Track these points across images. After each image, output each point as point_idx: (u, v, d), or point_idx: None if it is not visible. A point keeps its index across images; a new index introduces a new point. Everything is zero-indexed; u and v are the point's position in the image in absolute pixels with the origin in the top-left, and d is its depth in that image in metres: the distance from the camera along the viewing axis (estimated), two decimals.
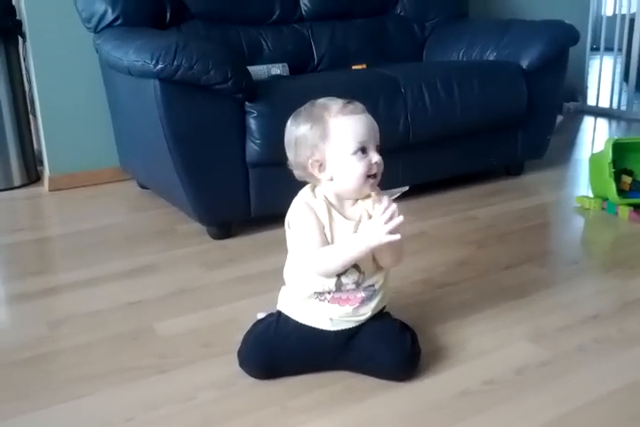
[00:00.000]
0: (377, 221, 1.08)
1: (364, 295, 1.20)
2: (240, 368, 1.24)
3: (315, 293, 1.19)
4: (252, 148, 1.89)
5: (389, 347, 1.20)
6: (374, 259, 1.19)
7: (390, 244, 1.10)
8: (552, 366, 1.25)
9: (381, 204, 1.10)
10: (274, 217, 2.01)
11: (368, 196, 1.17)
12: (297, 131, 1.16)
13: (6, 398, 1.21)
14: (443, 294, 1.56)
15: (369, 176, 1.14)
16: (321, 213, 1.15)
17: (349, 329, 1.21)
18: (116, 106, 2.37)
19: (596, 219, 2.11)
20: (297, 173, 1.20)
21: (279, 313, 1.26)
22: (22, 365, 1.32)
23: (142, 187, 2.52)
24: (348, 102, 1.14)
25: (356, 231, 1.15)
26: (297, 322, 1.23)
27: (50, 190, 2.59)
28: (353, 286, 1.19)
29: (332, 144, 1.13)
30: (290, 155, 1.19)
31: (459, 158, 2.36)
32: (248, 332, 1.27)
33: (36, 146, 2.78)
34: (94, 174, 2.63)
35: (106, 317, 1.52)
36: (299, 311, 1.23)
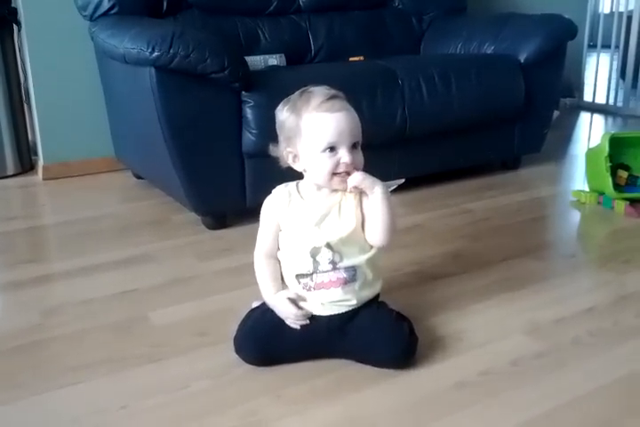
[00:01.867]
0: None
1: (345, 276, 1.20)
2: (236, 356, 1.24)
3: (298, 278, 1.21)
4: (249, 138, 1.88)
5: (387, 335, 1.20)
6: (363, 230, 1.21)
7: (378, 219, 1.18)
8: (547, 358, 1.25)
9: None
10: None
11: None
12: (280, 116, 1.20)
13: None
14: (437, 285, 1.56)
15: (336, 174, 1.16)
16: (280, 202, 1.23)
17: (342, 314, 1.21)
18: (111, 95, 2.35)
19: (592, 213, 2.11)
20: (281, 159, 1.24)
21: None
22: (15, 353, 1.31)
23: (137, 177, 2.50)
24: (329, 98, 1.15)
25: (319, 222, 1.18)
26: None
27: (44, 179, 2.58)
28: (329, 267, 1.19)
29: (303, 139, 1.16)
30: (279, 137, 1.22)
31: (455, 152, 2.36)
32: (244, 319, 1.27)
33: (30, 135, 2.76)
34: (89, 164, 2.62)
35: (99, 305, 1.51)
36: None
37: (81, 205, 2.26)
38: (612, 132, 2.18)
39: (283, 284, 1.25)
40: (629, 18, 3.68)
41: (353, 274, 1.21)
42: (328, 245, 1.18)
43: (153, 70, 1.74)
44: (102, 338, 1.36)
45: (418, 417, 1.09)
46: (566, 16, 2.45)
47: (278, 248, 1.25)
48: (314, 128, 1.14)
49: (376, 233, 1.21)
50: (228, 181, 1.93)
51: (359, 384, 1.17)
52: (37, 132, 2.59)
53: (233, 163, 1.92)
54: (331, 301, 1.21)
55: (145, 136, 2.02)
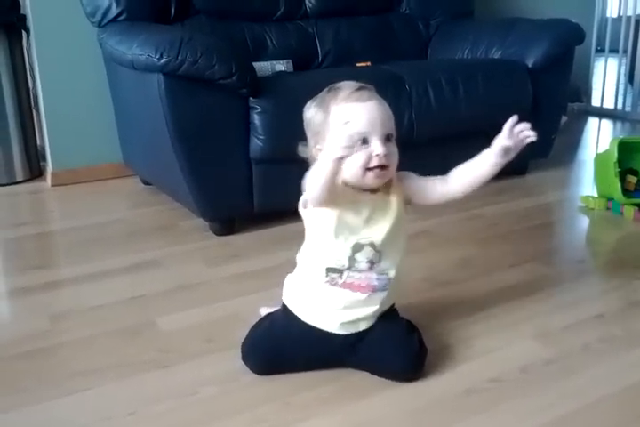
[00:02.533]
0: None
1: (376, 283, 1.16)
2: (242, 363, 1.24)
3: (327, 272, 1.15)
4: (256, 143, 1.88)
5: (398, 350, 1.18)
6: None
7: (479, 173, 1.18)
8: (557, 364, 1.24)
9: None
10: (277, 213, 2.01)
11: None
12: (307, 113, 1.15)
13: (7, 391, 1.20)
14: (446, 292, 1.55)
15: (369, 169, 1.09)
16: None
17: (358, 333, 1.19)
18: (119, 101, 2.36)
19: (600, 218, 2.10)
20: (308, 158, 1.18)
21: (285, 308, 1.24)
22: (23, 358, 1.32)
23: (145, 183, 2.51)
24: (358, 89, 1.10)
25: (368, 218, 1.13)
26: (304, 322, 1.20)
27: (52, 185, 2.59)
28: (366, 266, 1.14)
29: (332, 132, 1.09)
30: (307, 137, 1.18)
31: (463, 157, 2.34)
32: (253, 327, 1.26)
33: (38, 141, 2.77)
34: (97, 170, 2.63)
35: (108, 311, 1.51)
36: (306, 310, 1.20)
37: (89, 211, 2.27)
38: (621, 137, 2.17)
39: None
40: (637, 22, 3.67)
41: (385, 284, 1.17)
42: (372, 244, 1.13)
43: (161, 76, 1.75)
44: (110, 344, 1.36)
45: (426, 424, 1.08)
46: (573, 20, 2.45)
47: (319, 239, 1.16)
48: (342, 119, 1.08)
49: (462, 187, 1.21)
50: (235, 186, 1.93)
51: (366, 392, 1.16)
52: (46, 138, 2.60)
53: (240, 168, 1.92)
54: (351, 303, 1.16)
55: (153, 142, 2.03)
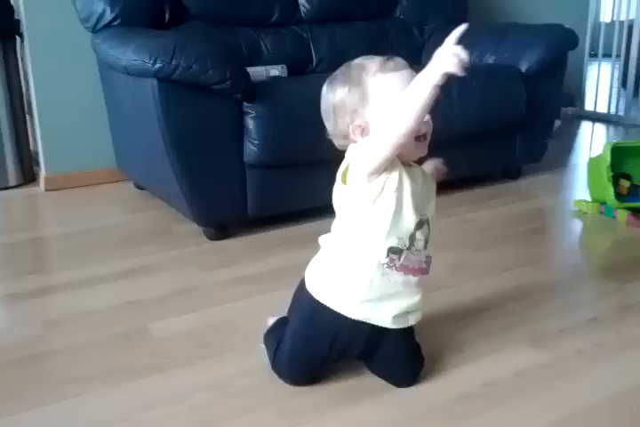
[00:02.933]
0: (445, 43, 0.97)
1: (425, 266, 1.14)
2: (238, 367, 1.24)
3: (388, 253, 1.09)
4: (250, 148, 1.88)
5: (408, 361, 1.20)
6: None
7: None
8: (551, 369, 1.24)
9: None
10: (271, 218, 2.01)
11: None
12: (334, 97, 1.09)
13: (0, 397, 1.20)
14: (440, 296, 1.55)
15: (417, 138, 1.06)
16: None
17: (381, 328, 1.15)
18: (113, 106, 2.36)
19: (594, 223, 2.10)
20: (337, 143, 1.13)
21: (301, 317, 1.19)
22: (17, 364, 1.31)
23: (139, 188, 2.50)
24: (387, 59, 1.07)
25: (427, 194, 1.12)
26: (329, 326, 1.14)
27: (46, 190, 2.58)
28: (422, 246, 1.12)
29: (374, 106, 1.05)
30: (328, 125, 1.12)
31: (457, 161, 2.34)
32: (276, 349, 1.21)
33: (32, 146, 2.77)
34: (91, 175, 2.62)
35: (101, 317, 1.51)
36: (352, 303, 1.13)
37: (83, 216, 2.26)
38: (614, 141, 2.18)
39: None
40: (630, 27, 3.69)
41: (429, 266, 1.15)
42: (428, 221, 1.12)
43: (155, 82, 1.75)
44: (103, 350, 1.36)
45: None
46: (567, 26, 2.46)
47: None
48: (385, 90, 1.05)
49: None
50: (229, 191, 1.93)
51: (361, 397, 1.16)
52: (39, 143, 2.59)
53: (234, 173, 1.92)
54: (404, 285, 1.12)
55: (147, 147, 2.03)
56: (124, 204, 2.43)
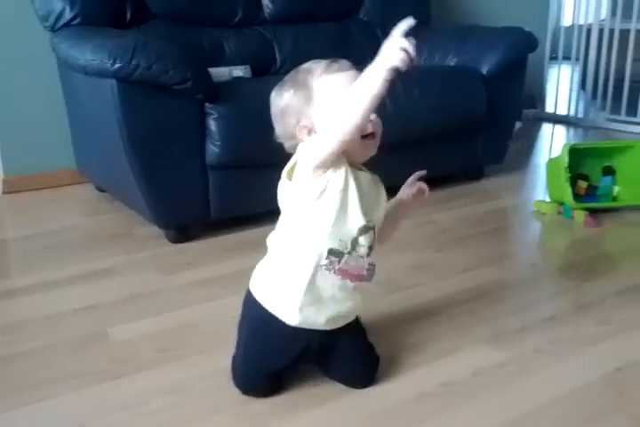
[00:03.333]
0: (392, 36, 0.96)
1: (365, 273, 1.13)
2: (197, 372, 1.23)
3: (328, 254, 1.08)
4: (212, 150, 1.87)
5: (362, 358, 1.21)
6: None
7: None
8: (509, 367, 1.26)
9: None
10: (234, 220, 2.00)
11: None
12: (281, 101, 1.10)
13: None
14: (400, 297, 1.56)
15: (364, 137, 1.06)
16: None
17: (333, 334, 1.16)
18: (73, 106, 2.32)
19: (552, 223, 2.14)
20: (287, 145, 1.13)
21: (249, 324, 1.18)
22: None
23: (100, 190, 2.47)
24: (332, 61, 1.08)
25: (375, 198, 1.12)
26: (277, 330, 1.14)
27: (4, 193, 2.52)
28: (365, 252, 1.11)
29: (319, 105, 1.06)
30: (278, 127, 1.13)
31: (418, 162, 2.35)
32: (232, 360, 1.22)
33: None
34: (50, 177, 2.57)
35: (60, 321, 1.48)
36: (288, 307, 1.12)
37: (42, 219, 2.22)
38: (572, 142, 2.22)
39: None
40: (589, 31, 3.76)
41: (371, 274, 1.14)
42: (374, 228, 1.11)
43: (114, 82, 1.72)
44: (62, 355, 1.34)
45: None
46: (528, 29, 2.50)
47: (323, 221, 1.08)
48: (329, 89, 1.06)
49: (387, 235, 1.22)
50: (191, 193, 1.92)
51: (319, 400, 1.17)
52: None
53: (196, 175, 1.90)
54: (339, 288, 1.11)
55: (107, 148, 2.00)
56: (84, 206, 2.39)
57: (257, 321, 1.16)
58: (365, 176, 1.11)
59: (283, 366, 1.17)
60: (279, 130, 1.13)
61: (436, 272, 1.71)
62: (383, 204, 1.16)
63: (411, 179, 1.30)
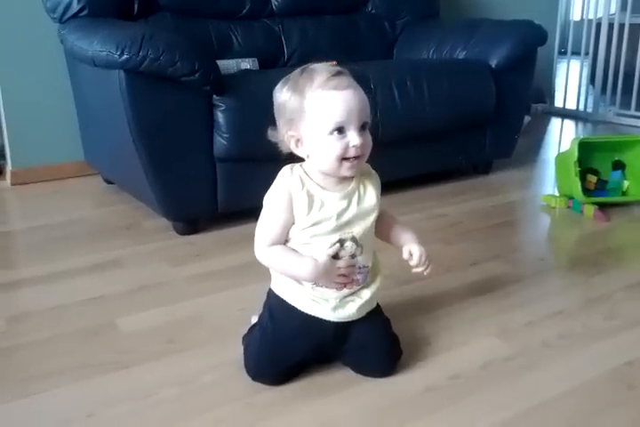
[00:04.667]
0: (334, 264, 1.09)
1: (359, 278, 1.15)
2: (204, 362, 1.23)
3: None
4: (220, 142, 1.87)
5: (381, 351, 1.20)
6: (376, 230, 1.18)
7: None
8: (517, 361, 1.26)
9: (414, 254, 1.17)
10: (242, 212, 2.00)
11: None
12: (279, 97, 1.09)
13: None
14: (409, 290, 1.56)
15: (345, 159, 1.06)
16: (295, 190, 1.09)
17: (348, 323, 1.17)
18: (81, 98, 2.32)
19: (561, 217, 2.13)
20: (280, 146, 1.14)
21: (270, 311, 1.19)
22: None
23: (108, 182, 2.47)
24: (334, 75, 1.05)
25: (342, 212, 1.10)
26: (293, 318, 1.16)
27: (12, 184, 2.53)
28: (349, 260, 1.13)
29: (308, 121, 1.05)
30: (277, 122, 1.12)
31: (427, 156, 2.37)
32: (246, 345, 1.23)
33: None
34: (58, 168, 2.58)
35: (67, 312, 1.48)
36: (300, 300, 1.15)
37: (50, 211, 2.22)
38: (582, 136, 2.21)
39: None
40: (598, 25, 3.74)
41: (365, 277, 1.16)
42: (353, 239, 1.12)
43: (122, 73, 1.72)
44: (69, 345, 1.34)
45: (388, 422, 1.08)
46: (537, 22, 2.48)
47: (287, 240, 1.13)
48: (320, 108, 1.04)
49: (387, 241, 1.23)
50: (199, 185, 1.92)
51: (328, 390, 1.16)
52: (5, 136, 2.54)
53: (204, 167, 1.90)
54: (338, 298, 1.14)
55: (115, 140, 2.00)
56: (92, 198, 2.39)
57: (275, 306, 1.19)
58: (333, 196, 1.11)
59: (298, 356, 1.17)
60: (277, 125, 1.12)
61: (444, 265, 1.70)
62: (370, 213, 1.14)
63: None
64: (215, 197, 1.95)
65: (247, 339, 1.25)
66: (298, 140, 1.09)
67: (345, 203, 1.11)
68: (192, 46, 1.78)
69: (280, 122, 1.11)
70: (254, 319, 1.28)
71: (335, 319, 1.16)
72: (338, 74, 1.05)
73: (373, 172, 1.19)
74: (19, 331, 1.40)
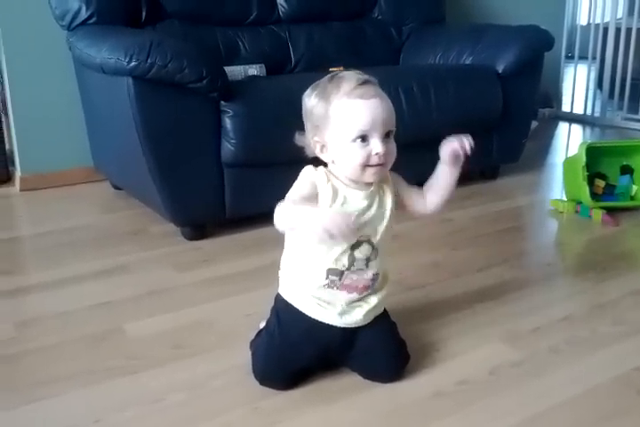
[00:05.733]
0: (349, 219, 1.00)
1: (370, 283, 1.16)
2: (212, 368, 1.23)
3: (328, 274, 1.13)
4: (228, 148, 1.88)
5: (389, 355, 1.20)
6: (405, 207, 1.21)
7: (446, 187, 1.21)
8: (525, 366, 1.25)
9: None
10: (249, 218, 2.01)
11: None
12: (307, 103, 1.11)
13: None
14: (416, 295, 1.56)
15: (368, 166, 1.08)
16: (320, 182, 1.10)
17: (355, 328, 1.17)
18: (89, 105, 2.34)
19: (569, 222, 2.12)
20: (307, 150, 1.16)
21: (277, 316, 1.20)
22: None
23: (116, 187, 2.48)
24: (362, 83, 1.06)
25: (362, 213, 1.11)
26: (300, 323, 1.17)
27: (21, 190, 2.54)
28: (363, 265, 1.14)
29: (332, 127, 1.08)
30: (305, 126, 1.15)
31: (434, 161, 2.36)
32: (254, 349, 1.23)
33: (7, 145, 2.72)
34: (67, 174, 2.59)
35: (75, 317, 1.49)
36: (306, 306, 1.17)
37: (58, 216, 2.23)
38: (589, 141, 2.20)
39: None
40: (605, 30, 3.73)
41: (374, 282, 1.17)
42: (369, 241, 1.13)
43: (130, 80, 1.73)
44: (77, 351, 1.34)
45: None
46: (543, 27, 2.48)
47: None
48: (344, 116, 1.06)
49: (437, 198, 1.23)
50: (206, 191, 1.92)
51: (335, 396, 1.16)
52: (15, 142, 2.56)
53: (212, 173, 1.91)
54: (347, 302, 1.16)
55: (123, 146, 2.01)
56: (100, 203, 2.40)
57: (281, 310, 1.20)
58: (357, 194, 1.12)
59: (305, 361, 1.18)
60: (305, 129, 1.14)
61: (451, 271, 1.70)
62: (386, 217, 1.15)
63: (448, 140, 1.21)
64: (223, 203, 1.95)
65: (255, 344, 1.25)
66: (323, 146, 1.11)
67: (366, 202, 1.13)
68: (200, 53, 1.79)
69: (307, 127, 1.13)
70: (262, 325, 1.28)
71: (342, 325, 1.16)
72: (365, 83, 1.07)
73: (393, 175, 1.20)
74: (27, 336, 1.41)
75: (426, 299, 1.54)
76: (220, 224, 2.02)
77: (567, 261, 1.88)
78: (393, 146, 1.10)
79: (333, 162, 1.12)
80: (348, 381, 1.20)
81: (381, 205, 1.15)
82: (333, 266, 1.13)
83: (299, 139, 1.16)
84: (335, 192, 1.11)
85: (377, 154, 1.07)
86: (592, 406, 1.13)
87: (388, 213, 1.16)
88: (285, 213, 1.05)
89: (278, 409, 1.13)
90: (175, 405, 1.15)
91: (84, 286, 1.66)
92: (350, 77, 1.08)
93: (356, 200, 1.12)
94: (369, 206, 1.13)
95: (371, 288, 1.18)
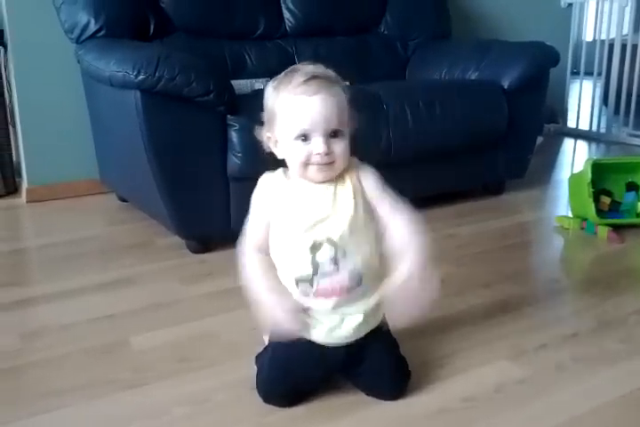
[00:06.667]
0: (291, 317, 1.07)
1: (348, 284, 1.10)
2: (217, 382, 1.23)
3: (297, 283, 1.10)
4: (234, 161, 1.88)
5: (391, 374, 1.19)
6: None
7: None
8: (530, 383, 1.24)
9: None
10: None
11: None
12: (265, 94, 1.10)
13: None
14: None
15: (310, 164, 1.06)
16: (270, 191, 1.13)
17: (357, 345, 1.15)
18: (97, 117, 2.35)
19: (575, 238, 2.12)
20: (264, 146, 1.15)
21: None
22: None
23: (122, 200, 2.49)
24: (309, 79, 1.03)
25: (316, 214, 1.08)
26: (298, 344, 1.13)
27: (28, 202, 2.56)
28: (331, 267, 1.08)
29: (278, 123, 1.07)
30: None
31: (440, 176, 2.37)
32: (259, 367, 1.21)
33: (14, 157, 2.74)
34: (73, 186, 2.60)
35: (80, 330, 1.49)
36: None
37: (64, 228, 2.24)
38: (595, 157, 2.20)
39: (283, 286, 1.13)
40: (611, 46, 3.75)
41: (358, 279, 1.10)
42: (330, 241, 1.07)
43: (138, 93, 1.74)
44: (82, 363, 1.34)
45: None
46: (549, 43, 2.49)
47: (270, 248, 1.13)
48: (287, 112, 1.04)
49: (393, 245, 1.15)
50: (212, 204, 1.93)
51: (339, 412, 1.16)
52: (22, 154, 2.57)
53: (218, 186, 1.92)
54: (327, 310, 1.11)
55: (129, 159, 2.02)
56: (106, 216, 2.41)
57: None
58: (310, 191, 1.10)
59: (306, 379, 1.17)
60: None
61: (456, 287, 1.69)
62: (346, 213, 1.09)
63: None
64: (228, 216, 1.95)
65: (260, 361, 1.24)
66: (275, 142, 1.10)
67: (318, 201, 1.09)
68: (207, 67, 1.80)
69: (264, 120, 1.11)
70: (266, 339, 1.28)
71: (333, 342, 1.13)
72: (312, 78, 1.03)
73: (365, 172, 1.14)
74: (32, 348, 1.41)
75: (430, 315, 1.53)
76: (225, 238, 2.02)
77: (573, 277, 1.88)
78: (341, 145, 1.06)
79: (284, 158, 1.10)
80: (352, 397, 1.19)
81: (336, 202, 1.09)
82: (299, 274, 1.09)
83: (257, 132, 1.14)
84: (287, 191, 1.11)
85: (317, 153, 1.04)
86: (599, 425, 1.12)
87: (347, 209, 1.09)
88: (246, 268, 1.12)
89: (282, 425, 1.12)
90: (180, 418, 1.14)
91: (90, 298, 1.66)
92: (301, 71, 1.05)
93: (307, 199, 1.09)
94: (321, 204, 1.09)
95: (355, 289, 1.10)
